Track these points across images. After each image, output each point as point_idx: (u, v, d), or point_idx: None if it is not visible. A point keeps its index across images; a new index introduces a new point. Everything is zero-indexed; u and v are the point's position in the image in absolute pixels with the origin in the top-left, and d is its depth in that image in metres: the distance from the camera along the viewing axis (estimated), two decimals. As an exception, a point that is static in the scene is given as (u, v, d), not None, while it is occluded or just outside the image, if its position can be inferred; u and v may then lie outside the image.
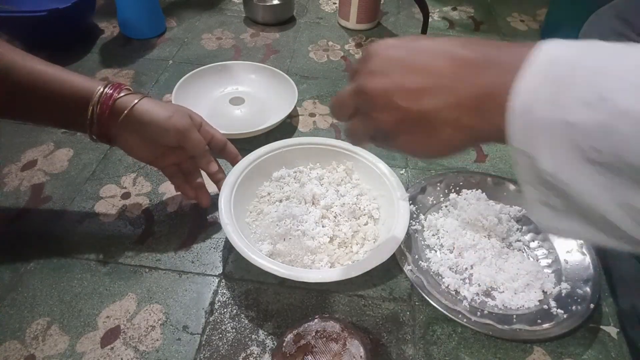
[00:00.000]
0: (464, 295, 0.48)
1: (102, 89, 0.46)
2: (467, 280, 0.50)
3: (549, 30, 0.95)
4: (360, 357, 0.40)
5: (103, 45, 0.88)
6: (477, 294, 0.48)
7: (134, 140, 0.49)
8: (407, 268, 0.50)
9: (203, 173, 0.56)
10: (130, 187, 0.60)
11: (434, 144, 0.31)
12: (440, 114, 0.29)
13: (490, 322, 0.45)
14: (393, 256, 0.48)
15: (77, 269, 0.50)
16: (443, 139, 0.30)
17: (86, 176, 0.61)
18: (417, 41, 0.31)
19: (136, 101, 0.47)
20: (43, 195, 0.58)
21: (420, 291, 0.48)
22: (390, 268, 0.51)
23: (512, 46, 0.27)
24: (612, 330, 0.48)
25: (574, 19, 0.88)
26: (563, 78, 0.23)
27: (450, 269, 0.51)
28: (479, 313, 0.46)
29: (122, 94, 0.47)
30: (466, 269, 0.51)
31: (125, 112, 0.46)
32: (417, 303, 0.49)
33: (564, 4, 0.90)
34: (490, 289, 0.49)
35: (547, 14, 0.96)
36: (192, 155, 0.52)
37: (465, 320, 0.45)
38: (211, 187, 0.57)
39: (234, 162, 0.56)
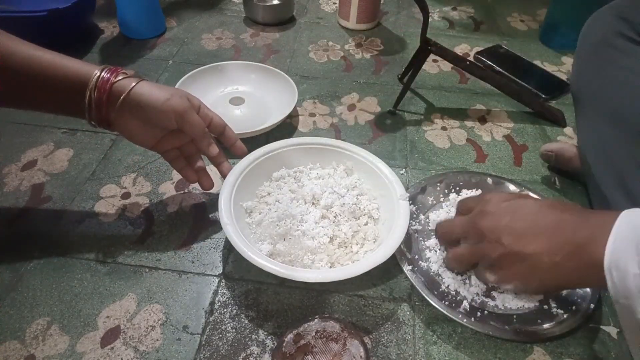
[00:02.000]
0: (464, 296, 0.48)
1: (99, 73, 0.46)
2: (467, 281, 0.50)
3: (548, 30, 0.95)
4: (360, 357, 0.40)
5: (103, 45, 0.88)
6: (477, 294, 0.48)
7: (132, 124, 0.48)
8: (407, 268, 0.50)
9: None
10: (130, 187, 0.60)
11: (532, 282, 0.39)
12: (540, 257, 0.36)
13: (491, 323, 0.45)
14: (393, 256, 0.48)
15: (77, 269, 0.51)
16: (540, 279, 0.37)
17: (86, 176, 0.61)
18: (525, 198, 0.41)
19: (133, 84, 0.46)
20: (43, 195, 0.58)
21: (421, 291, 0.48)
22: (390, 268, 0.51)
23: (603, 212, 0.35)
24: (612, 330, 0.48)
25: (574, 19, 0.88)
26: None
27: (450, 269, 0.51)
28: (479, 313, 0.46)
29: (119, 78, 0.46)
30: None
31: (123, 95, 0.46)
32: (417, 303, 0.49)
33: (564, 4, 0.90)
34: (490, 289, 0.49)
35: (547, 14, 0.96)
36: (192, 137, 0.51)
37: (465, 320, 0.45)
38: (214, 185, 0.57)
39: (233, 147, 0.55)
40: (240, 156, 0.56)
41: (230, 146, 0.55)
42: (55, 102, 0.47)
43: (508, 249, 0.38)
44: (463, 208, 0.46)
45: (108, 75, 0.46)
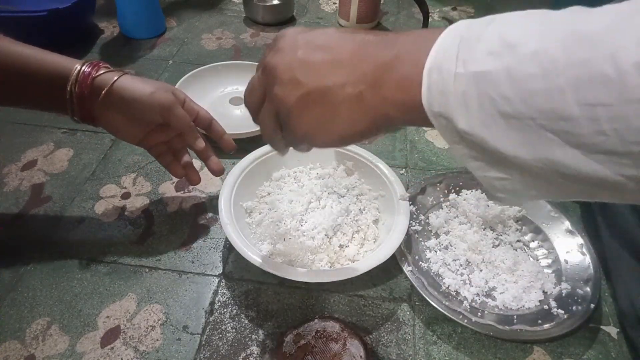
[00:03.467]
0: (465, 296, 0.48)
1: (79, 67, 0.45)
2: (467, 281, 0.50)
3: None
4: (360, 357, 0.40)
5: (103, 45, 0.88)
6: (478, 295, 0.48)
7: (117, 119, 0.48)
8: (407, 269, 0.50)
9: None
10: (130, 187, 0.60)
11: (338, 125, 0.30)
12: (342, 89, 0.28)
13: (491, 323, 0.45)
14: (393, 256, 0.48)
15: (77, 269, 0.50)
16: (346, 119, 0.29)
17: (86, 176, 0.61)
18: (325, 28, 0.32)
19: (116, 78, 0.45)
20: (43, 195, 0.58)
21: (421, 292, 0.48)
22: (390, 268, 0.51)
23: (420, 30, 0.28)
24: (612, 330, 0.48)
25: (574, 19, 0.88)
26: (471, 37, 0.24)
27: (450, 269, 0.51)
28: (479, 314, 0.46)
29: (101, 72, 0.45)
30: (466, 269, 0.51)
31: (105, 90, 0.45)
32: (417, 303, 0.49)
33: (564, 4, 0.90)
34: (490, 290, 0.49)
35: (547, 14, 0.96)
36: (178, 131, 0.50)
37: (465, 321, 0.45)
38: (214, 185, 0.57)
39: (221, 141, 0.54)
40: (229, 150, 0.54)
41: (219, 139, 0.53)
42: (37, 98, 0.47)
43: (304, 87, 0.29)
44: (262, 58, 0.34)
45: (89, 69, 0.45)
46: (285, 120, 0.32)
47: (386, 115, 0.28)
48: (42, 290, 0.48)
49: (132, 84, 0.46)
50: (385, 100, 0.27)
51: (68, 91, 0.45)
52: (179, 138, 0.52)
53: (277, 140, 0.35)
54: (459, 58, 0.23)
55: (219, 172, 0.53)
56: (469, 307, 0.47)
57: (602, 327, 0.48)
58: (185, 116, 0.49)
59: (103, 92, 0.45)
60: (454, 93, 0.24)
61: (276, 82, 0.30)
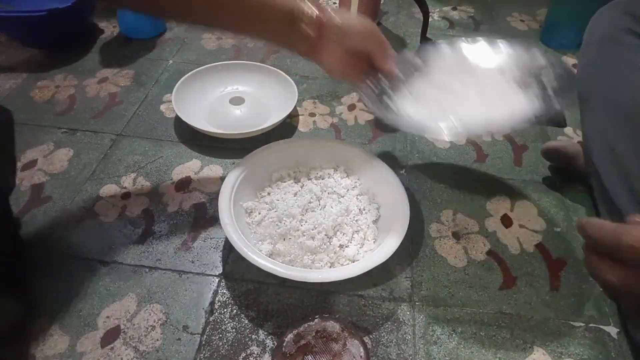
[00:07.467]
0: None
1: (310, 12, 0.46)
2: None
3: (549, 30, 0.95)
4: (360, 357, 0.40)
5: (103, 45, 0.88)
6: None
7: (336, 53, 0.49)
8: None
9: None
10: (130, 187, 0.60)
11: None
12: None
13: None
14: (393, 256, 0.48)
15: (77, 269, 0.50)
16: None
17: (86, 176, 0.61)
18: None
19: (333, 14, 0.47)
20: (43, 195, 0.58)
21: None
22: (390, 268, 0.51)
23: None
24: (612, 330, 0.48)
25: (574, 19, 0.88)
26: None
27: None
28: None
29: (324, 11, 0.47)
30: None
31: (329, 25, 0.47)
32: (417, 303, 0.49)
33: (564, 4, 0.90)
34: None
35: (547, 14, 0.96)
36: (377, 58, 0.50)
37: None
38: (214, 185, 0.56)
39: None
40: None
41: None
42: (272, 32, 0.48)
43: None
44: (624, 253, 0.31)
45: (320, 13, 0.47)
46: None
47: None
48: (42, 291, 0.48)
49: (341, 16, 0.48)
50: None
51: (303, 30, 0.46)
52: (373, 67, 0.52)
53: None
54: None
55: None
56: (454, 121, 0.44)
57: (602, 327, 0.48)
58: (385, 39, 0.50)
59: (327, 28, 0.47)
60: None
61: None
